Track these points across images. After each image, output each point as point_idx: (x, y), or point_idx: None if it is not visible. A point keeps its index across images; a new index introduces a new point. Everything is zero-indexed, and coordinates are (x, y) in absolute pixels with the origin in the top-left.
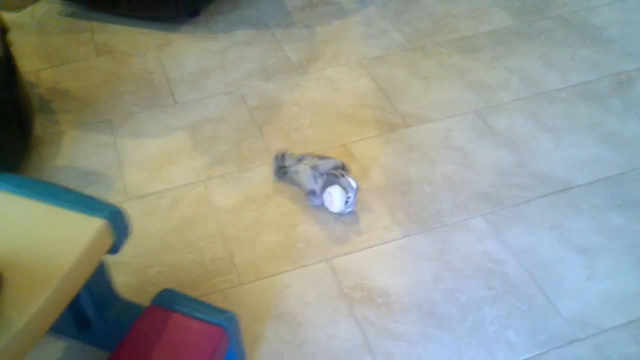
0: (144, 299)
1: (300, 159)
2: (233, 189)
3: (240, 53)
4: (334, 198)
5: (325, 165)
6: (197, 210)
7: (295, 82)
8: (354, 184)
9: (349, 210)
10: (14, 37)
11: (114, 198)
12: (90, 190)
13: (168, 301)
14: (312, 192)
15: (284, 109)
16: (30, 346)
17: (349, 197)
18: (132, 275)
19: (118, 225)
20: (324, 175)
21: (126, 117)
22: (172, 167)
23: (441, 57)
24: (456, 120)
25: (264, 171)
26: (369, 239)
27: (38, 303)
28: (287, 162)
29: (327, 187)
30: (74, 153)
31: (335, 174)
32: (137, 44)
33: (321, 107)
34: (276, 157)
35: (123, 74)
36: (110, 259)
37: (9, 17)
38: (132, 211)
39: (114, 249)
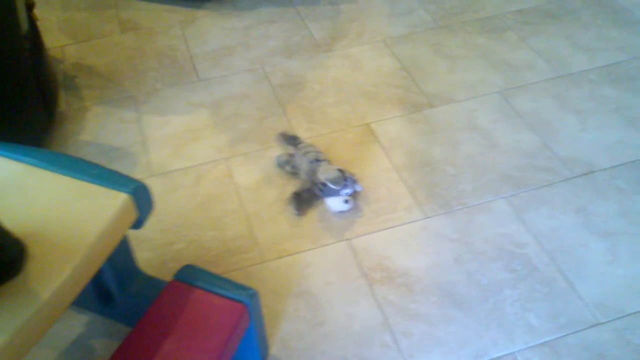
0: (165, 275)
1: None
2: (255, 167)
3: (264, 30)
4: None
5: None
6: (220, 188)
7: (318, 60)
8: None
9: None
10: (39, 12)
11: (137, 174)
12: (114, 167)
13: (190, 277)
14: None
15: (307, 87)
16: (54, 319)
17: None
18: (154, 251)
19: (142, 201)
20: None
21: (150, 94)
22: (195, 145)
23: (467, 37)
24: (480, 101)
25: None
26: (390, 219)
27: (62, 276)
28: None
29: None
30: (97, 129)
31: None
32: (162, 20)
33: (344, 86)
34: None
35: (147, 51)
36: (133, 235)
37: None
38: (156, 187)
39: (138, 224)
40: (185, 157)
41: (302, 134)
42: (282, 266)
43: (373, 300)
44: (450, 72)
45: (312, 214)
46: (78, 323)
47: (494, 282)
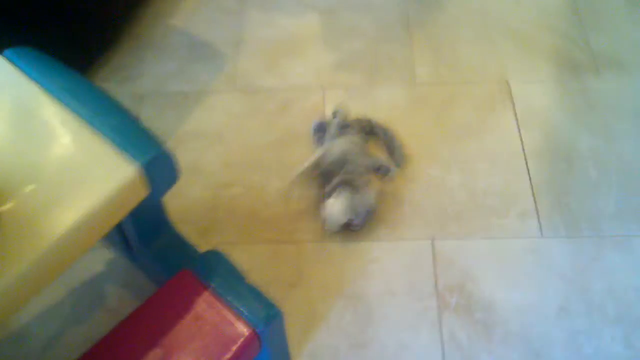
0: (212, 220)
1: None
2: (352, 106)
3: None
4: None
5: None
6: (304, 126)
7: None
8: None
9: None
10: None
11: (219, 84)
12: (197, 67)
13: (207, 270)
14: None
15: (444, 10)
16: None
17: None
18: (208, 190)
19: (158, 174)
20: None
21: None
22: (292, 59)
23: None
24: None
25: (396, 92)
26: (496, 225)
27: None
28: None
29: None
30: (192, 14)
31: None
32: None
33: (490, 18)
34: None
35: None
36: (192, 165)
37: None
38: (235, 105)
39: (153, 197)
40: (277, 74)
41: (424, 73)
42: (342, 252)
43: (437, 332)
44: (638, 24)
45: (401, 190)
46: (100, 261)
47: (601, 353)
